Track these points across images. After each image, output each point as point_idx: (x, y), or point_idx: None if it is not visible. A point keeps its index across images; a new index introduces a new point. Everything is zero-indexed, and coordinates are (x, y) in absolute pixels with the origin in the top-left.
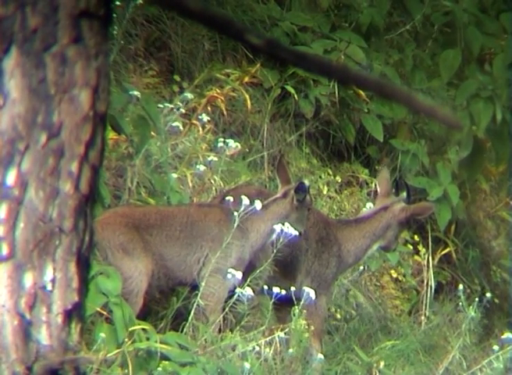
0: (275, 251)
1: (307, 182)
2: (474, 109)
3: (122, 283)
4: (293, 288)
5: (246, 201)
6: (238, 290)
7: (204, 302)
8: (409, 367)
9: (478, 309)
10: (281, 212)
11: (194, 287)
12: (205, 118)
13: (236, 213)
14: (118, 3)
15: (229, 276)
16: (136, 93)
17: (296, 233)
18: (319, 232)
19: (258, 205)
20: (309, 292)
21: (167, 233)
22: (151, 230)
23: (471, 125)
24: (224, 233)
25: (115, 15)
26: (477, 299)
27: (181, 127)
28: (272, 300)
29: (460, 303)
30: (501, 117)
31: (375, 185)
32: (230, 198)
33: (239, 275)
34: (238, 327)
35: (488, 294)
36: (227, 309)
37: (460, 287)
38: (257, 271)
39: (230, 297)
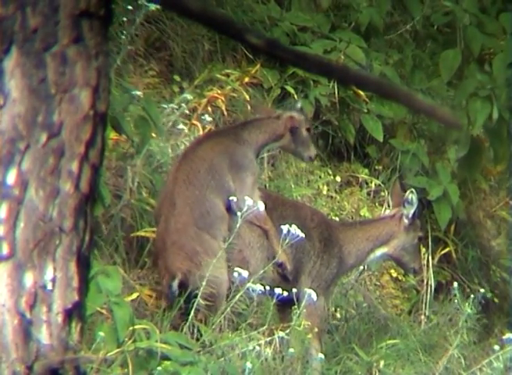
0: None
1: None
2: (472, 108)
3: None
4: (294, 289)
5: (249, 201)
6: (248, 284)
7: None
8: (409, 366)
9: (475, 307)
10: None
11: None
12: (208, 118)
13: (239, 214)
14: (130, 7)
15: (235, 274)
16: (138, 93)
17: (302, 235)
18: (322, 233)
19: (261, 205)
20: (310, 293)
21: None
22: None
23: (468, 124)
24: None
25: (125, 19)
26: (472, 296)
27: (183, 126)
28: (274, 301)
29: (456, 300)
30: (497, 116)
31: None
32: (233, 198)
33: (245, 273)
34: (243, 325)
35: (482, 290)
36: (228, 309)
37: (455, 284)
38: (261, 272)
39: (231, 296)
